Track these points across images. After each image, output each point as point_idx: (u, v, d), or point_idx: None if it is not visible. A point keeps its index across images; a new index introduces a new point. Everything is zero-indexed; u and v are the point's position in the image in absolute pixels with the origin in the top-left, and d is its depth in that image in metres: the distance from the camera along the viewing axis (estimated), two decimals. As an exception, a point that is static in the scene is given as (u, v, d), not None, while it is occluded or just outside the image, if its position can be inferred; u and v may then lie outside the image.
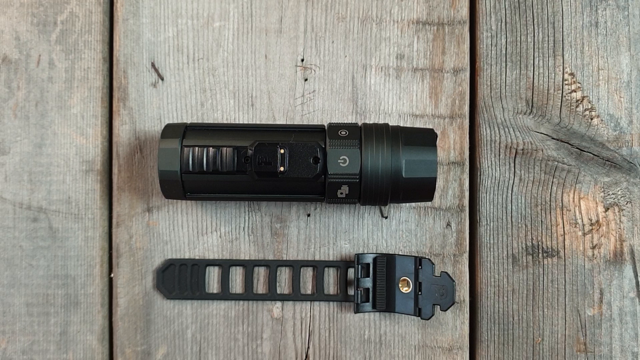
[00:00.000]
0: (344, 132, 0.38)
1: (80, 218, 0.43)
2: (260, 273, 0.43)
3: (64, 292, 0.43)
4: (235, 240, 0.43)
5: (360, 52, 0.44)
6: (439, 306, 0.41)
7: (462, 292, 0.43)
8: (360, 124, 0.39)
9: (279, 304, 0.43)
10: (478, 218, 0.43)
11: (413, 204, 0.43)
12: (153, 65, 0.43)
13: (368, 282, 0.41)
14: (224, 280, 0.42)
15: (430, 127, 0.43)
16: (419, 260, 0.41)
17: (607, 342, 0.42)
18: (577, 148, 0.43)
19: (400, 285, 0.41)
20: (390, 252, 0.43)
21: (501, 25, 0.44)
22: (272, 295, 0.42)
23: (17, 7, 0.44)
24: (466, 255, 0.43)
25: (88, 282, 0.43)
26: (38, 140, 0.43)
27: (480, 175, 0.43)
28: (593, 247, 0.42)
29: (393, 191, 0.37)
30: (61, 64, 0.44)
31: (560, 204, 0.43)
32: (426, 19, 0.44)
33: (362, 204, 0.39)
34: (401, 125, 0.43)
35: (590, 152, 0.43)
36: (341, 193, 0.37)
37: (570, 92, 0.43)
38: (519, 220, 0.43)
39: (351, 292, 0.42)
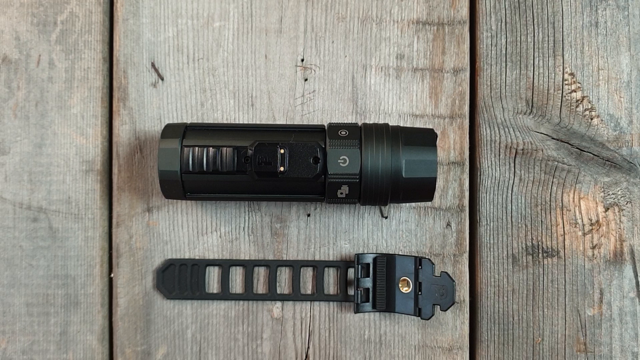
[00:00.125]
0: (344, 132, 0.38)
1: (80, 218, 0.43)
2: (260, 273, 0.43)
3: (64, 292, 0.43)
4: (235, 240, 0.43)
5: (360, 52, 0.44)
6: (439, 306, 0.41)
7: (462, 292, 0.43)
8: (360, 124, 0.39)
9: (279, 304, 0.43)
10: (478, 218, 0.43)
11: (413, 204, 0.43)
12: (153, 65, 0.43)
13: (368, 282, 0.41)
14: (224, 280, 0.42)
15: (430, 127, 0.43)
16: (419, 260, 0.41)
17: (607, 342, 0.42)
18: (577, 148, 0.43)
19: (400, 285, 0.41)
20: (390, 252, 0.43)
21: (501, 25, 0.44)
22: (272, 295, 0.42)
23: (17, 7, 0.44)
24: (466, 255, 0.43)
25: (88, 282, 0.43)
26: (38, 140, 0.43)
27: (480, 175, 0.43)
28: (593, 247, 0.42)
29: (393, 191, 0.37)
30: (61, 64, 0.44)
31: (560, 204, 0.43)
32: (426, 19, 0.44)
33: (362, 204, 0.39)
34: (401, 125, 0.43)
35: (590, 152, 0.43)
36: (341, 193, 0.37)
37: (570, 92, 0.43)
38: (519, 220, 0.43)
39: (351, 292, 0.42)
